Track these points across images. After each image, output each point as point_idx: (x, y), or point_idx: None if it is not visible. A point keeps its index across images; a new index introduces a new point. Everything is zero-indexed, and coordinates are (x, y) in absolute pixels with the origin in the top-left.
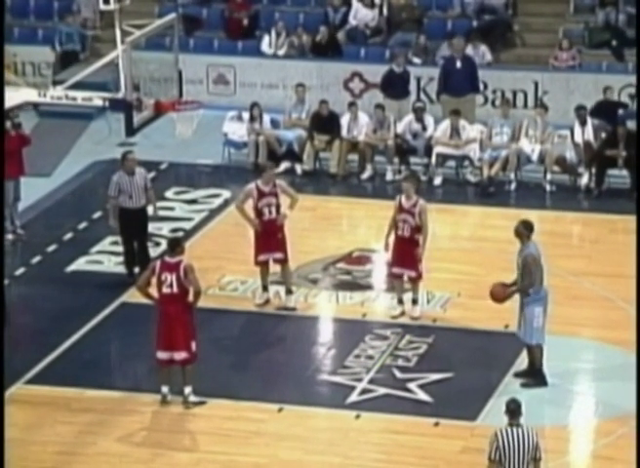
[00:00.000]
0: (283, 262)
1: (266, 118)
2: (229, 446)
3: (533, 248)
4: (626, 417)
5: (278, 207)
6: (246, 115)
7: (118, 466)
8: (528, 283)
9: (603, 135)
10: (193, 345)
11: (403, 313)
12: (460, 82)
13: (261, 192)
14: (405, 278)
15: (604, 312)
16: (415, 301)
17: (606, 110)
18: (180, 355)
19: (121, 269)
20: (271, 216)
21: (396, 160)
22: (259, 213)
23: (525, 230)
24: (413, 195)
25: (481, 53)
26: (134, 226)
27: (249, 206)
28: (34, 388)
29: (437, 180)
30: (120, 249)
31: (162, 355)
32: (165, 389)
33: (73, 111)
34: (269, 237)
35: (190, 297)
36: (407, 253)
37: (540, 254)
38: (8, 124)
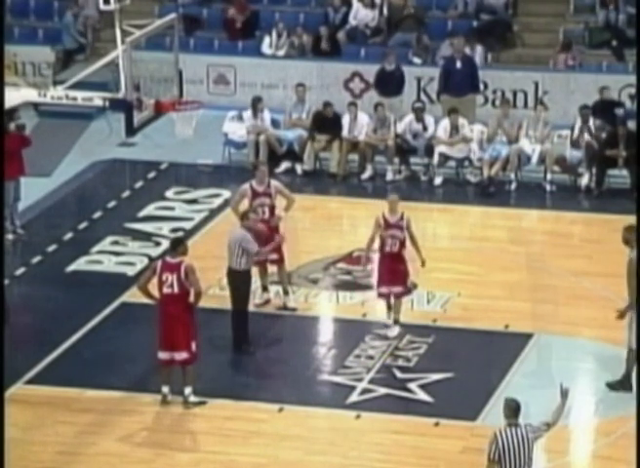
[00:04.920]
0: (278, 263)
1: (267, 116)
2: (230, 446)
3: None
4: (626, 417)
5: (272, 207)
6: (246, 114)
7: (118, 466)
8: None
9: (603, 135)
10: (194, 346)
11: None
12: (460, 82)
13: (255, 192)
14: (392, 298)
15: (604, 312)
16: (396, 321)
17: (604, 110)
18: (181, 355)
19: (121, 269)
20: (264, 217)
21: (396, 160)
22: (253, 212)
23: (630, 235)
24: (398, 209)
25: (476, 53)
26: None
27: (244, 206)
28: (34, 388)
29: (438, 180)
30: (119, 249)
31: (163, 355)
32: (166, 389)
33: (73, 111)
34: (263, 238)
35: (191, 298)
36: (397, 269)
37: None
38: (12, 126)
